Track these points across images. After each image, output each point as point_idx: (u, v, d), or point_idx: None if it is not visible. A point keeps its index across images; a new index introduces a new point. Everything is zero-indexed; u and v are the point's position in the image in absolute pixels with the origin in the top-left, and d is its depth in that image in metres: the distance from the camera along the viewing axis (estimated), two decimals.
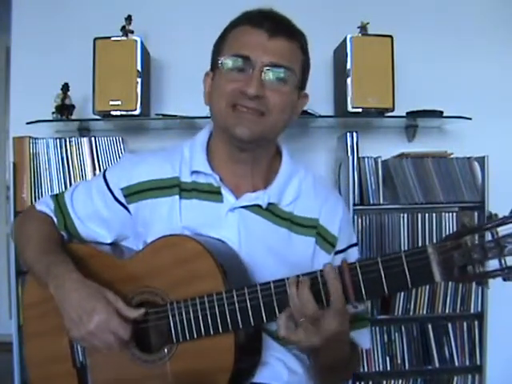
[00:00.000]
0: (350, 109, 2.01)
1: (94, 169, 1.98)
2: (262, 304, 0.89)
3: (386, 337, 2.09)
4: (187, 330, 0.94)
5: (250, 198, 1.04)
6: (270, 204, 1.05)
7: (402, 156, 2.10)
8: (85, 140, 1.99)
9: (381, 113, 2.06)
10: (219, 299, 0.91)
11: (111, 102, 1.96)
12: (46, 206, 1.16)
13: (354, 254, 1.12)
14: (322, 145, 2.27)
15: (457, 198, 2.06)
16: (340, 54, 2.11)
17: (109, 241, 1.12)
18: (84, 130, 2.17)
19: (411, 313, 2.07)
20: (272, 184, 1.07)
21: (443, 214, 2.07)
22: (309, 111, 2.03)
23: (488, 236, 0.76)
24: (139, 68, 1.98)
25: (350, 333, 0.99)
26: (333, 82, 2.22)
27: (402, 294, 2.05)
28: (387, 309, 2.06)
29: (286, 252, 1.04)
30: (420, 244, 2.05)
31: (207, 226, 1.02)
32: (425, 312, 2.07)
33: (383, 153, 2.11)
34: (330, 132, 2.25)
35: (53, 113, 2.02)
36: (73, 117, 2.05)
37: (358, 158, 2.04)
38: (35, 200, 1.94)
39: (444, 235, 2.04)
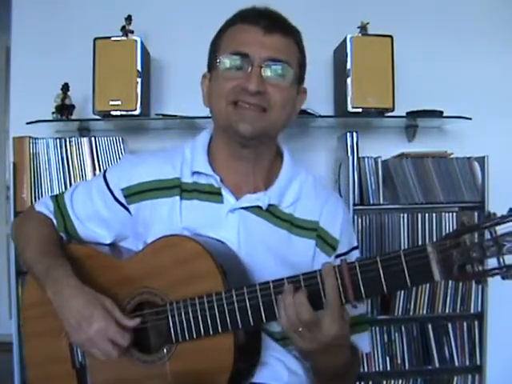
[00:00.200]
0: (349, 109, 2.01)
1: (94, 169, 1.98)
2: (261, 304, 0.89)
3: (385, 337, 2.09)
4: (186, 330, 0.93)
5: (250, 199, 1.04)
6: (270, 205, 1.05)
7: (402, 156, 2.10)
8: (85, 140, 1.99)
9: (381, 113, 2.06)
10: (219, 299, 0.91)
11: (111, 102, 1.96)
12: (45, 207, 1.16)
13: (355, 258, 1.11)
14: (322, 145, 2.27)
15: (457, 198, 2.06)
16: (340, 54, 2.11)
17: (108, 241, 1.12)
18: (84, 130, 2.17)
19: (411, 313, 2.07)
20: (273, 185, 1.07)
21: (443, 213, 2.07)
22: (309, 111, 2.03)
23: (487, 235, 0.76)
24: (139, 68, 1.98)
25: (351, 337, 0.98)
26: (333, 81, 2.22)
27: (402, 294, 2.05)
28: (387, 309, 2.06)
29: (286, 253, 1.04)
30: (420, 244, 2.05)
31: (207, 227, 1.02)
32: (425, 312, 2.07)
33: (383, 153, 2.11)
34: (330, 132, 2.25)
35: (53, 113, 2.02)
36: (73, 117, 2.04)
37: (358, 157, 2.04)
38: (35, 200, 1.94)
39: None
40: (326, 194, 1.13)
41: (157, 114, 2.11)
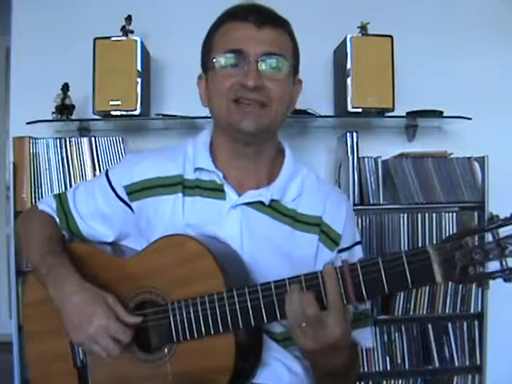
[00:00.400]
0: (349, 109, 2.01)
1: (94, 169, 1.98)
2: (262, 304, 0.89)
3: (385, 337, 2.09)
4: (188, 329, 0.94)
5: (252, 195, 1.04)
6: (272, 201, 1.05)
7: (401, 156, 2.10)
8: (85, 140, 1.99)
9: (381, 113, 2.06)
10: (220, 299, 0.91)
11: (111, 102, 1.96)
12: (48, 205, 1.16)
13: (358, 252, 1.12)
14: (322, 145, 2.27)
15: (457, 198, 2.06)
16: (340, 53, 2.11)
17: (110, 239, 1.12)
18: (84, 130, 2.16)
19: (411, 313, 2.07)
20: (275, 181, 1.07)
21: (443, 214, 2.07)
22: (309, 111, 2.03)
23: (489, 237, 0.76)
24: (139, 68, 1.98)
25: (353, 332, 0.98)
26: (333, 81, 2.21)
27: (402, 294, 2.05)
28: (387, 309, 2.06)
29: (289, 248, 1.04)
30: (420, 244, 2.05)
31: (209, 224, 1.03)
32: (425, 312, 2.07)
33: (383, 153, 2.11)
34: (330, 132, 2.25)
35: (53, 113, 2.02)
36: (73, 117, 2.04)
37: (358, 158, 2.04)
38: (35, 200, 1.94)
39: (444, 235, 2.04)
40: (328, 189, 1.13)
41: (157, 114, 2.11)
